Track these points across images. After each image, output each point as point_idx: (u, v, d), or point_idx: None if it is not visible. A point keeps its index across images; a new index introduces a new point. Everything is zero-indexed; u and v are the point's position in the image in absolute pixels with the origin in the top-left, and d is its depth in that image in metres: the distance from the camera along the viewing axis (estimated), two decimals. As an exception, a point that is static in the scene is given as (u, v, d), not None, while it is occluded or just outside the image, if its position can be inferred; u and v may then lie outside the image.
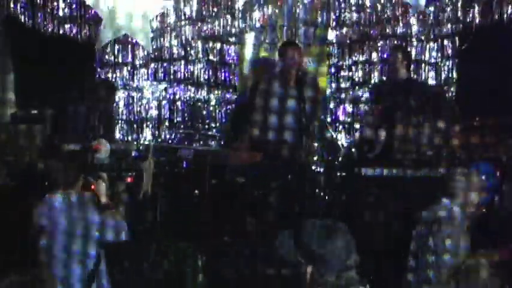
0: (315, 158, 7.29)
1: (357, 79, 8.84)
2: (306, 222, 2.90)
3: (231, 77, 8.90)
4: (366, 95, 8.65)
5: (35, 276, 2.74)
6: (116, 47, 8.55)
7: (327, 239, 2.81)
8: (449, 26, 8.28)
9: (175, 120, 8.77)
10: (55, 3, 8.03)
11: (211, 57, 8.84)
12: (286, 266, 5.31)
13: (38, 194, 4.97)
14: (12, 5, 7.82)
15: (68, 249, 4.60)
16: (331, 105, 8.82)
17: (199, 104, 8.81)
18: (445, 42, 8.43)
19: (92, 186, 4.85)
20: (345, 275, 2.82)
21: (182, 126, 8.64)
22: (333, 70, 8.91)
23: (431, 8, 8.16)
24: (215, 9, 8.35)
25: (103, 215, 4.70)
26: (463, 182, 5.14)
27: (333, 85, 8.90)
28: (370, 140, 6.84)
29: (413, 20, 8.31)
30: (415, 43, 8.51)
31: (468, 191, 5.13)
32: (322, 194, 6.87)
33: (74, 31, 8.18)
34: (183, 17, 8.44)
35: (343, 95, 8.88)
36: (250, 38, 8.76)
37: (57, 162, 4.99)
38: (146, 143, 8.35)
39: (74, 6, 8.12)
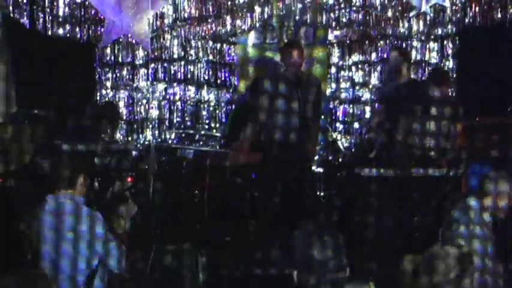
0: (316, 159, 7.30)
1: (357, 79, 8.84)
2: (296, 231, 2.90)
3: (231, 77, 8.91)
4: (366, 95, 8.65)
5: (32, 276, 2.74)
6: (116, 47, 8.56)
7: (322, 243, 2.82)
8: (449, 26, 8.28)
9: (175, 120, 8.78)
10: (55, 3, 8.03)
11: (211, 57, 8.85)
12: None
13: (36, 194, 4.95)
14: (12, 6, 7.80)
15: (62, 251, 4.48)
16: (331, 105, 8.82)
17: (199, 104, 8.82)
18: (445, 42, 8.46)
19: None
20: (340, 277, 2.85)
21: (182, 126, 8.65)
22: (333, 70, 8.91)
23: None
24: (215, 9, 8.35)
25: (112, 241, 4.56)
26: (497, 185, 4.98)
27: (333, 85, 8.90)
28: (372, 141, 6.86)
29: (413, 20, 8.30)
30: (415, 43, 8.52)
31: (499, 194, 4.97)
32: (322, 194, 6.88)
33: (75, 31, 8.17)
34: (182, 17, 8.43)
35: (343, 95, 8.88)
36: (250, 38, 8.76)
37: (55, 162, 4.95)
38: (146, 143, 8.36)
39: (75, 6, 8.11)
